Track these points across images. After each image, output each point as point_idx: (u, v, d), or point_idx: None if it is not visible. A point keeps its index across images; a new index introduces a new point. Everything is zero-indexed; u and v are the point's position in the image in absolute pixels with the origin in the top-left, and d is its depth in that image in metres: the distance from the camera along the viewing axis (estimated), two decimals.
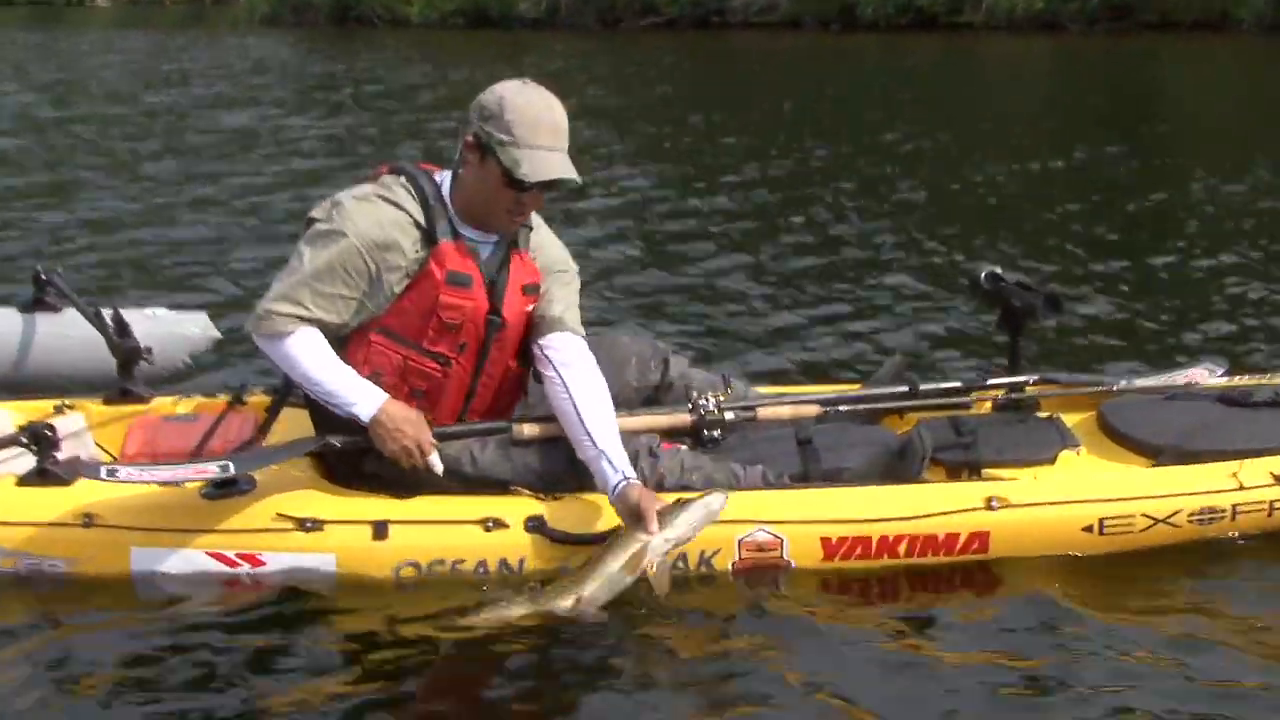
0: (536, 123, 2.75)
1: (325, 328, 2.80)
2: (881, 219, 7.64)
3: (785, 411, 3.15)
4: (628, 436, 2.89)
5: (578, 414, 2.82)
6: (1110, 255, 6.53)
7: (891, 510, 2.90)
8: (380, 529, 2.83)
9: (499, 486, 2.90)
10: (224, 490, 2.78)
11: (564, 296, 2.94)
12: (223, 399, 3.38)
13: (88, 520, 2.81)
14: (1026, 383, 3.43)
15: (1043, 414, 3.41)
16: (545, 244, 2.98)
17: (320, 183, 8.05)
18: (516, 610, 2.65)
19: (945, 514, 2.90)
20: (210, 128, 11.75)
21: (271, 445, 3.07)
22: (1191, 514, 2.99)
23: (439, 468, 2.83)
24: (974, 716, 2.42)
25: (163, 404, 3.41)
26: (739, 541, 2.85)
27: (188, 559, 2.81)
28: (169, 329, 3.56)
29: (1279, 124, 12.05)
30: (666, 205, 8.08)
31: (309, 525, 2.81)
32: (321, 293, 2.76)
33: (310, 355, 2.79)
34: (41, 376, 3.44)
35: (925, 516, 2.89)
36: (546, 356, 2.90)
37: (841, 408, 3.21)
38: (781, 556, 2.88)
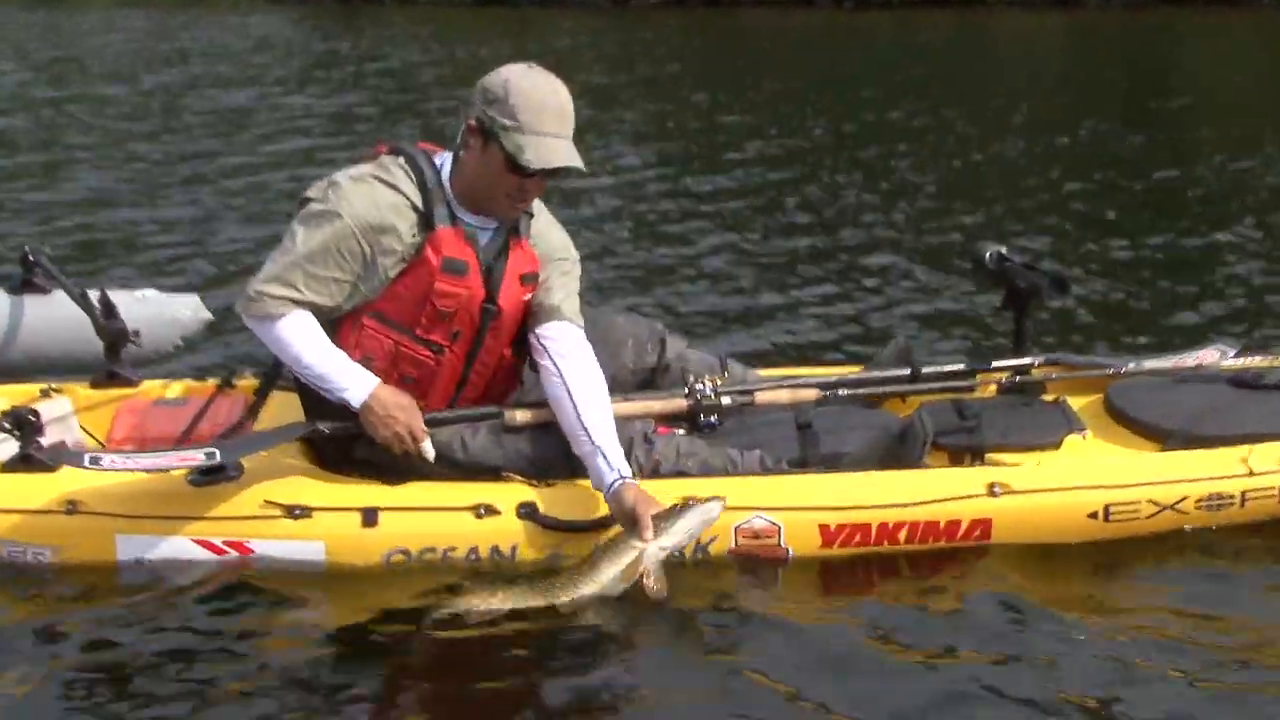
0: (542, 108, 2.68)
1: (317, 310, 2.76)
2: (888, 197, 7.57)
3: (783, 396, 3.10)
4: (622, 422, 2.84)
5: (574, 406, 2.77)
6: (1120, 234, 6.45)
7: (891, 496, 2.85)
8: (370, 516, 2.78)
9: (491, 472, 2.85)
10: (211, 477, 2.74)
11: (563, 285, 2.89)
12: (212, 383, 3.34)
13: (72, 507, 2.77)
14: (1032, 365, 3.37)
15: (1049, 397, 3.34)
16: (546, 231, 2.92)
17: (319, 162, 8.00)
18: (506, 605, 2.61)
19: (946, 500, 2.85)
20: (208, 107, 11.70)
21: (259, 431, 3.03)
22: (1200, 500, 2.92)
23: (431, 454, 2.80)
24: (973, 707, 2.37)
25: (151, 387, 3.37)
26: (735, 528, 2.80)
27: (174, 547, 2.77)
28: (159, 311, 3.51)
29: None
30: (667, 184, 8.02)
31: (297, 512, 2.77)
32: (314, 275, 2.72)
33: (302, 338, 2.74)
34: (30, 359, 3.40)
35: (926, 503, 2.84)
36: (543, 346, 2.85)
37: (841, 391, 3.15)
38: (779, 544, 2.82)
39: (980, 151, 9.20)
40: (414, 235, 2.73)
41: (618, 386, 2.96)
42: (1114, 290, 5.42)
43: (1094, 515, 2.89)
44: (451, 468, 2.84)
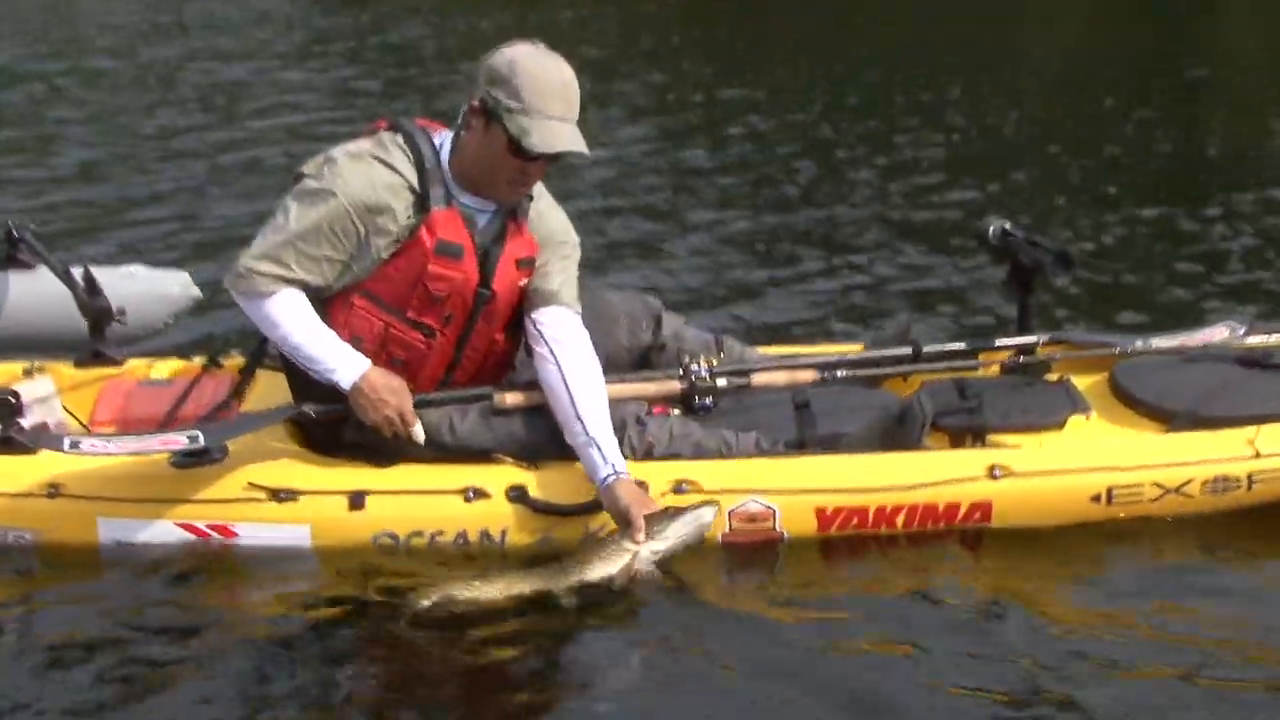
0: (548, 90, 2.60)
1: (308, 289, 2.70)
2: (890, 172, 7.45)
3: (781, 378, 3.03)
4: (615, 403, 2.78)
5: (569, 395, 2.71)
6: (1130, 207, 6.33)
7: (889, 479, 2.79)
8: (357, 499, 2.74)
9: (480, 455, 2.80)
10: (194, 459, 2.69)
11: (562, 270, 2.82)
12: (198, 362, 3.30)
13: (53, 490, 2.73)
14: (1036, 344, 3.29)
15: (1053, 376, 3.27)
16: (547, 213, 2.85)
17: (316, 137, 7.88)
18: (494, 595, 2.56)
19: (945, 483, 2.79)
20: (205, 81, 11.57)
21: (244, 414, 2.98)
22: (1205, 483, 2.86)
23: (421, 438, 2.75)
24: (969, 693, 2.32)
25: (136, 367, 3.32)
26: (730, 512, 2.75)
27: (157, 530, 2.73)
28: (148, 288, 3.44)
29: None
30: (666, 157, 7.92)
31: (283, 495, 2.73)
32: (306, 253, 2.66)
33: (291, 317, 2.69)
34: (14, 337, 3.33)
35: (924, 486, 2.78)
36: (539, 332, 2.79)
37: (840, 371, 3.08)
38: (774, 528, 2.77)
39: (994, 121, 9.06)
40: (409, 216, 2.67)
41: (612, 365, 2.90)
42: (1121, 267, 5.33)
43: (1096, 498, 2.83)
44: (440, 450, 2.79)
